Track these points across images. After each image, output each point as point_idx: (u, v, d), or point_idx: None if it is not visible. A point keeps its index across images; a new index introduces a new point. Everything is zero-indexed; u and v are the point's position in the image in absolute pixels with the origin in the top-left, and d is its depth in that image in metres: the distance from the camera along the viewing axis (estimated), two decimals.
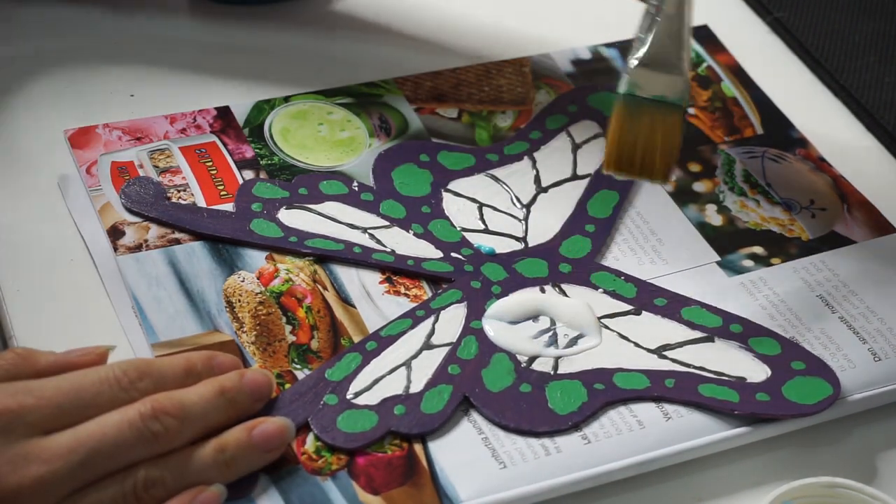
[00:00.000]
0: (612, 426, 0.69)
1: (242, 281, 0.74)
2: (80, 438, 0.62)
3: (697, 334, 0.74)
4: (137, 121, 0.82)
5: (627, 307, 0.75)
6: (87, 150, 0.80)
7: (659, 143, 0.72)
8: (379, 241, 0.77)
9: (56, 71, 0.86)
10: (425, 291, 0.75)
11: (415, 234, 0.77)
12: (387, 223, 0.78)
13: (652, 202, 0.81)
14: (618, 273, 0.77)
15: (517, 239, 0.78)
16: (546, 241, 0.78)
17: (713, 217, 0.81)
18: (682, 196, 0.82)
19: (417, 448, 0.67)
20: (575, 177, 0.82)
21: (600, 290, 0.76)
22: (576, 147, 0.84)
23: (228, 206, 0.78)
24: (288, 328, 0.73)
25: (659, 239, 0.79)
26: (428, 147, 0.83)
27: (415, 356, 0.71)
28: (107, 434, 0.62)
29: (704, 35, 0.92)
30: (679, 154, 0.73)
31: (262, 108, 0.84)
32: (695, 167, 0.84)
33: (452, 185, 0.80)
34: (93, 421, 0.63)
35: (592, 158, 0.83)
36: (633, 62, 0.72)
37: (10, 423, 0.62)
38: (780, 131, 0.87)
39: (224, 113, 0.83)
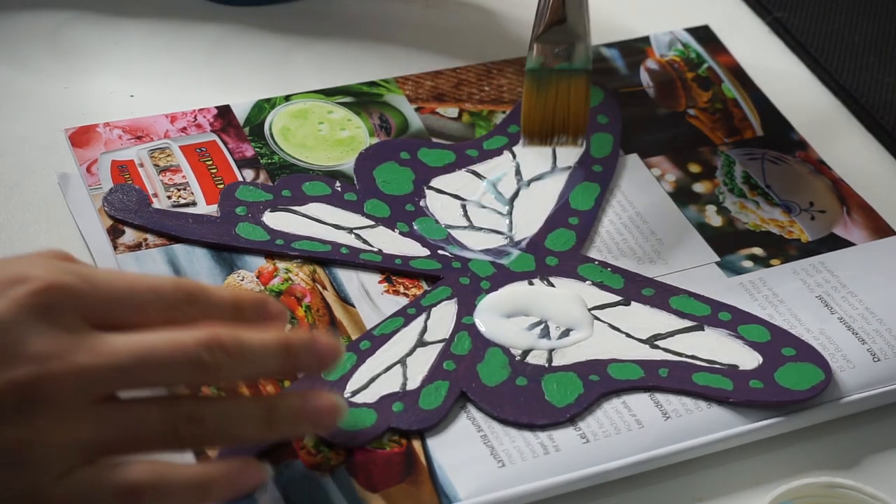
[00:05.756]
0: (611, 425, 0.69)
1: (242, 280, 0.74)
2: (131, 342, 0.59)
3: (687, 323, 0.74)
4: (138, 119, 0.82)
5: (616, 298, 0.75)
6: (87, 148, 0.80)
7: (569, 108, 0.77)
8: (365, 241, 0.77)
9: (56, 70, 0.86)
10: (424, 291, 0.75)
11: (400, 233, 0.77)
12: (372, 223, 0.78)
13: (652, 202, 0.81)
14: (605, 264, 0.77)
15: (502, 234, 0.78)
16: (531, 235, 0.78)
17: (713, 218, 0.81)
18: (682, 196, 0.82)
19: (416, 445, 0.67)
20: (555, 169, 0.82)
21: (588, 281, 0.76)
22: None
23: (213, 209, 0.77)
24: (287, 327, 0.72)
25: (659, 239, 0.79)
26: (408, 145, 0.83)
27: (409, 353, 0.71)
28: (158, 347, 0.59)
29: (705, 35, 0.93)
30: (588, 114, 0.77)
31: (262, 107, 0.84)
32: (695, 168, 0.84)
33: (434, 182, 0.81)
34: (146, 332, 0.60)
35: (572, 151, 0.83)
36: (534, 37, 0.76)
37: (61, 303, 0.58)
38: (779, 133, 0.87)
39: (224, 112, 0.83)
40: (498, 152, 0.83)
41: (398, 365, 0.70)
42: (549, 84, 0.77)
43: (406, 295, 0.75)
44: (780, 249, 0.79)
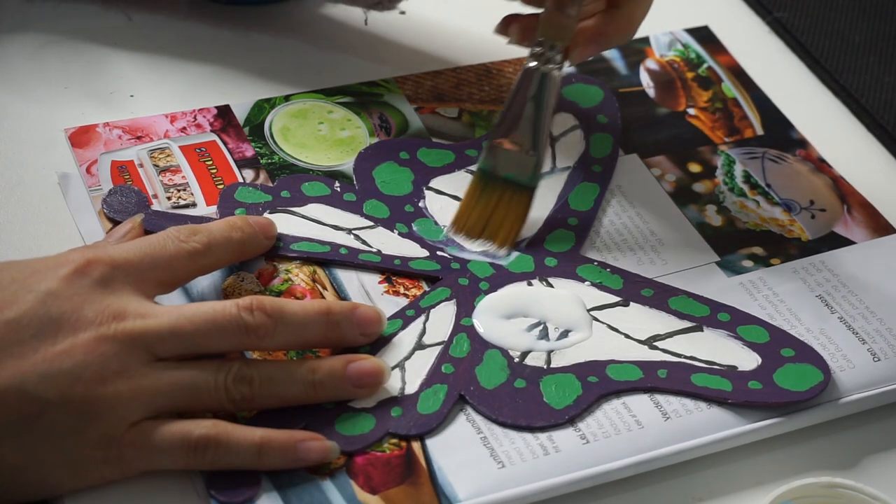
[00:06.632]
0: (611, 426, 0.69)
1: (242, 281, 0.74)
2: (179, 309, 0.66)
3: (686, 324, 0.74)
4: (138, 119, 0.82)
5: (615, 299, 0.75)
6: (87, 148, 0.80)
7: (501, 219, 0.77)
8: (364, 242, 0.76)
9: (56, 71, 0.86)
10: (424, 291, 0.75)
11: (399, 234, 0.77)
12: (371, 223, 0.78)
13: (652, 202, 0.81)
14: (603, 265, 0.77)
15: None
16: (530, 235, 0.78)
17: (713, 217, 0.81)
18: (682, 196, 0.82)
19: (416, 447, 0.67)
20: (554, 170, 0.82)
21: (587, 282, 0.76)
22: (553, 140, 0.84)
23: (212, 210, 0.77)
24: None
25: (659, 239, 0.79)
26: (407, 145, 0.83)
27: (408, 357, 0.71)
28: (203, 310, 0.66)
29: (705, 35, 0.93)
30: (522, 229, 0.77)
31: (262, 107, 0.84)
32: (695, 168, 0.84)
33: (434, 183, 0.81)
34: (190, 304, 0.67)
35: (570, 151, 0.83)
36: (491, 140, 0.77)
37: (106, 274, 0.65)
38: (780, 132, 0.87)
39: (224, 112, 0.83)
40: None
41: (397, 369, 0.70)
42: (494, 190, 0.77)
43: (406, 295, 0.74)
44: (780, 248, 0.79)
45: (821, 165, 0.85)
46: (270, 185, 0.79)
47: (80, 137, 0.81)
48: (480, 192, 0.77)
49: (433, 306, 0.74)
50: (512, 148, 0.77)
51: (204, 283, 0.73)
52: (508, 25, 0.82)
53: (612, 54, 0.90)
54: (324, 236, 0.76)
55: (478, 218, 0.77)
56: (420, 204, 0.79)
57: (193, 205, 0.78)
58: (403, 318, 0.73)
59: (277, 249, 0.75)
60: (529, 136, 0.77)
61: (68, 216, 0.77)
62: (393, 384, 0.69)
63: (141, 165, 0.79)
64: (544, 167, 0.82)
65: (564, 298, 0.75)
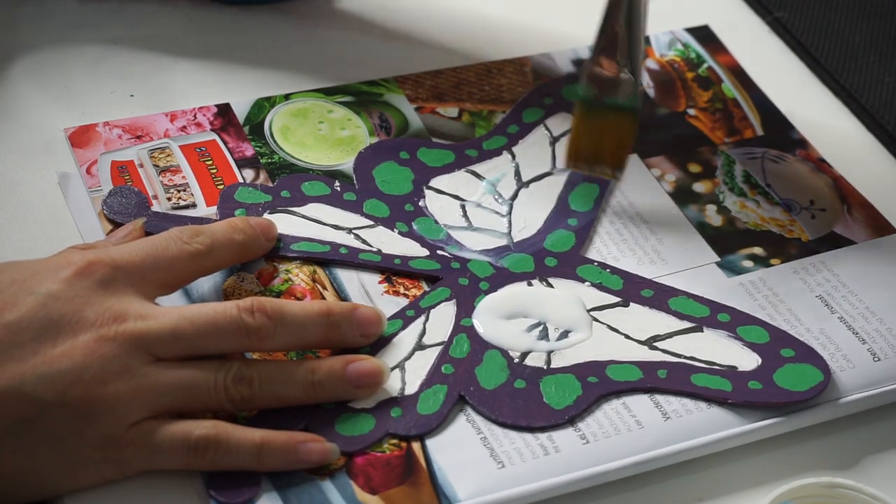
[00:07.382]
0: (611, 426, 0.69)
1: (242, 281, 0.74)
2: (180, 310, 0.66)
3: (686, 324, 0.74)
4: (138, 118, 0.82)
5: (615, 299, 0.75)
6: (87, 148, 0.80)
7: (610, 143, 0.78)
8: (365, 241, 0.76)
9: (56, 71, 0.86)
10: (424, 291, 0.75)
11: (400, 233, 0.77)
12: (371, 223, 0.78)
13: (652, 202, 0.81)
14: (603, 265, 0.77)
15: (501, 235, 0.78)
16: (530, 235, 0.78)
17: (713, 217, 0.81)
18: (682, 196, 0.82)
19: (416, 447, 0.67)
20: (554, 170, 0.82)
21: (587, 283, 0.76)
22: (553, 140, 0.84)
23: (212, 211, 0.77)
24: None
25: (659, 239, 0.79)
26: (407, 144, 0.83)
27: (408, 357, 0.71)
28: (204, 312, 0.66)
29: (704, 35, 0.93)
30: (630, 151, 0.80)
31: (262, 106, 0.84)
32: (695, 168, 0.84)
33: (434, 182, 0.81)
34: (191, 305, 0.67)
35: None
36: (588, 67, 0.78)
37: (107, 276, 0.66)
38: (780, 132, 0.87)
39: (224, 110, 0.83)
40: (497, 153, 0.83)
41: (396, 369, 0.70)
42: (598, 116, 0.78)
43: (406, 295, 0.74)
44: (780, 248, 0.79)
45: (821, 165, 0.85)
46: (270, 185, 0.79)
47: (80, 137, 0.81)
48: (585, 120, 0.78)
49: (433, 306, 0.74)
50: (608, 72, 0.77)
51: (204, 284, 0.73)
52: None
53: None
54: (324, 236, 0.76)
55: (587, 146, 0.78)
56: (420, 203, 0.79)
57: (193, 205, 0.78)
58: (403, 318, 0.73)
59: (277, 250, 0.75)
60: (624, 58, 0.78)
61: (68, 216, 0.77)
62: (393, 384, 0.69)
63: (141, 165, 0.79)
64: (544, 167, 0.82)
65: (564, 299, 0.75)
